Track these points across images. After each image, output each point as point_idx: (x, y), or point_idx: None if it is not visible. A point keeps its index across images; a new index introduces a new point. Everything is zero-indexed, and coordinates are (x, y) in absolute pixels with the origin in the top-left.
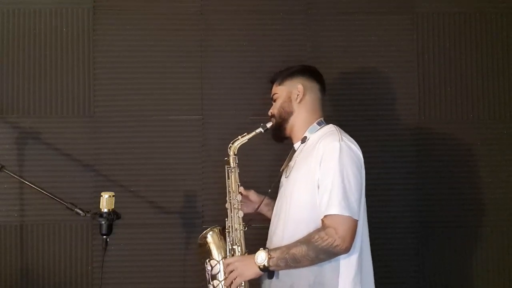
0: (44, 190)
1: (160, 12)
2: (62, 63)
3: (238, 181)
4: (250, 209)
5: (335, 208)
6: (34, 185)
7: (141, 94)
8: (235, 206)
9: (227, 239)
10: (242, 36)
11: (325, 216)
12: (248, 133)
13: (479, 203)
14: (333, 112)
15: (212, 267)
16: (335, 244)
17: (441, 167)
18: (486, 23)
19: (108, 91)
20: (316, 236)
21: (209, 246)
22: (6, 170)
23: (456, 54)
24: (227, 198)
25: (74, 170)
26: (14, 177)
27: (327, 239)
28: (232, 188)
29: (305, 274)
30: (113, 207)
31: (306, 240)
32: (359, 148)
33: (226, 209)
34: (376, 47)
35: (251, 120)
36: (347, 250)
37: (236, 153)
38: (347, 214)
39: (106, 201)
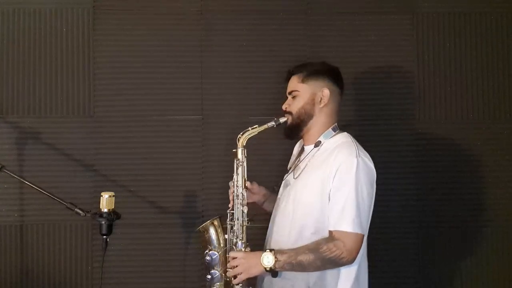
0: (44, 190)
1: (160, 12)
2: (62, 63)
3: (245, 175)
4: (249, 199)
5: (348, 225)
6: (34, 185)
7: (141, 94)
8: (241, 201)
9: (228, 230)
10: (242, 36)
11: (335, 229)
12: (259, 126)
13: (479, 203)
14: None
15: (212, 258)
16: (342, 256)
17: (441, 167)
18: (486, 23)
19: (108, 91)
20: (325, 247)
21: (209, 236)
22: (6, 170)
23: (456, 54)
24: (232, 192)
25: (74, 170)
26: (14, 177)
27: (335, 251)
28: (239, 182)
29: (305, 276)
30: (113, 207)
31: (314, 249)
32: (372, 162)
33: (231, 201)
34: (376, 47)
35: (251, 120)
36: (352, 261)
37: (244, 145)
38: (359, 232)
39: (106, 201)
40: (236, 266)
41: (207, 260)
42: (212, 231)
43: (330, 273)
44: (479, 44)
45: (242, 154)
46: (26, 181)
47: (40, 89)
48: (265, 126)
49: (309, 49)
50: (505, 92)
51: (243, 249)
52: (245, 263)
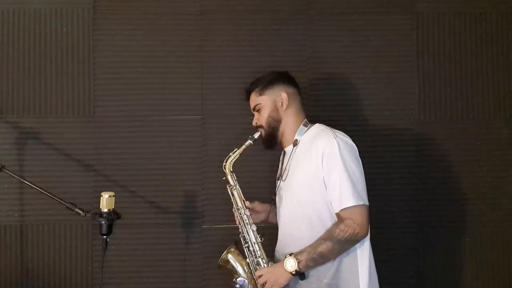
0: (44, 190)
1: (160, 12)
2: (62, 63)
3: (242, 197)
4: (257, 220)
5: (350, 201)
6: (34, 185)
7: (141, 94)
8: (246, 221)
9: (246, 253)
10: (242, 36)
11: (340, 210)
12: (238, 148)
13: (479, 203)
14: (333, 112)
15: (241, 285)
16: (355, 232)
17: (441, 167)
18: (486, 23)
19: (108, 91)
20: (338, 230)
21: (231, 265)
22: (6, 170)
23: (456, 54)
24: (237, 217)
25: (74, 170)
26: (14, 177)
27: (347, 230)
28: (238, 205)
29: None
30: (113, 207)
31: (329, 236)
32: (350, 139)
33: (238, 225)
34: (376, 47)
35: (251, 120)
36: (366, 234)
37: (232, 170)
38: (361, 203)
39: (106, 201)
40: (265, 283)
41: (236, 287)
42: (232, 260)
43: (347, 258)
44: (479, 44)
45: (232, 178)
46: (26, 181)
47: (40, 89)
48: (244, 146)
49: (309, 49)
50: (505, 92)
51: (265, 265)
52: (271, 277)
